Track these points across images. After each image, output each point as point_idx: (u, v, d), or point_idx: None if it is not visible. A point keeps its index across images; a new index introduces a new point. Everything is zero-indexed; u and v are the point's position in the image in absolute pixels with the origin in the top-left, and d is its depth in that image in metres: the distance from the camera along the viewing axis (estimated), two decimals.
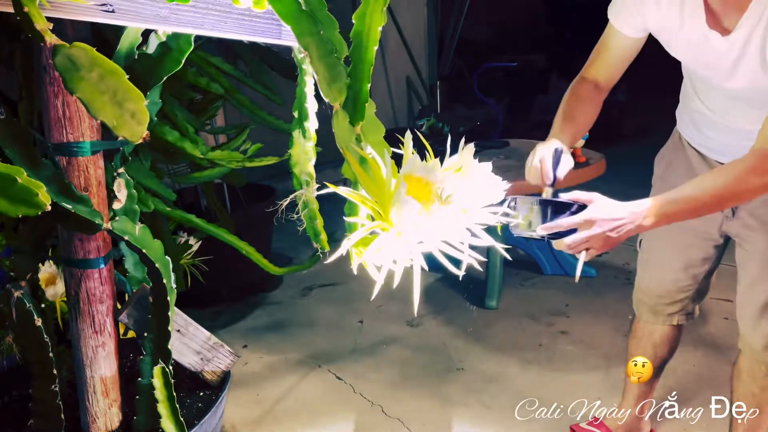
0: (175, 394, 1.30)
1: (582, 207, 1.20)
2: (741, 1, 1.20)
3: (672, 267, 1.63)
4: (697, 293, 1.66)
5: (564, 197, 1.22)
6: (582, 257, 1.27)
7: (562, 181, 1.34)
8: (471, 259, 0.79)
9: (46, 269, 1.51)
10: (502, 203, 0.84)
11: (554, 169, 1.32)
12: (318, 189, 1.24)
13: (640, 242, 1.69)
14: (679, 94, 1.56)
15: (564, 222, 1.19)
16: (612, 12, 1.41)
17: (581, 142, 2.62)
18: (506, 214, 0.85)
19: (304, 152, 1.24)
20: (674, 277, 1.63)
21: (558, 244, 1.22)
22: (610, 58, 1.46)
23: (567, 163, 1.34)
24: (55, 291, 1.51)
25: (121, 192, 1.32)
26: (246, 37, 1.11)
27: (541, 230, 1.20)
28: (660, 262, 1.65)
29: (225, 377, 1.57)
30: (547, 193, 1.33)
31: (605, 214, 1.17)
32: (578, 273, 1.33)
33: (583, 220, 1.18)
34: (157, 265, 1.27)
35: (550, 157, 1.33)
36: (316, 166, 1.26)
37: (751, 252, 1.48)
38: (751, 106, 1.21)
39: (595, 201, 1.20)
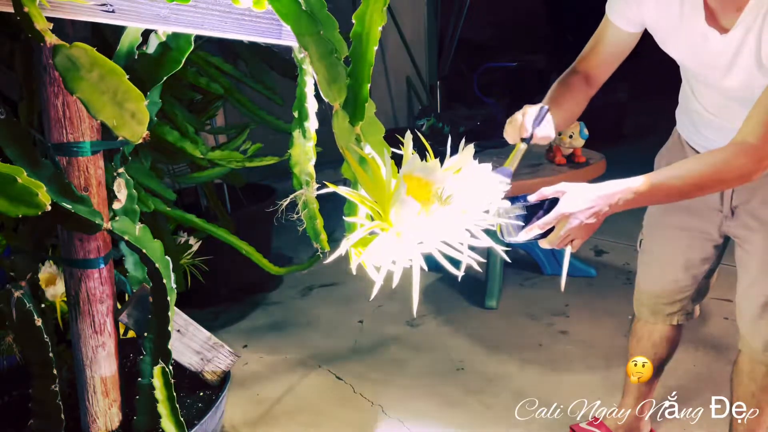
0: (175, 394, 1.30)
1: (553, 202, 1.20)
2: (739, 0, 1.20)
3: (672, 267, 1.63)
4: (697, 293, 1.66)
5: (532, 198, 1.21)
6: (567, 254, 1.28)
7: (539, 139, 1.32)
8: (470, 260, 0.79)
9: (46, 269, 1.51)
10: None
11: (534, 125, 1.30)
12: (318, 189, 1.24)
13: (641, 242, 1.69)
14: (679, 95, 1.56)
15: (540, 223, 1.19)
16: (610, 5, 1.41)
17: (581, 142, 2.62)
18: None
19: (304, 152, 1.24)
20: (674, 277, 1.63)
21: (543, 243, 1.23)
22: (604, 52, 1.45)
23: (548, 127, 1.32)
24: (55, 291, 1.51)
25: (121, 192, 1.32)
26: (246, 37, 1.11)
27: (522, 236, 1.21)
28: (660, 262, 1.65)
29: (225, 377, 1.57)
30: (519, 150, 1.30)
31: (577, 205, 1.17)
32: (563, 282, 1.33)
33: (558, 216, 1.18)
34: (157, 265, 1.27)
35: (534, 112, 1.32)
36: (316, 166, 1.26)
37: (750, 253, 1.48)
38: (747, 106, 1.21)
39: (565, 193, 1.19)
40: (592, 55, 1.46)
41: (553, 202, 1.20)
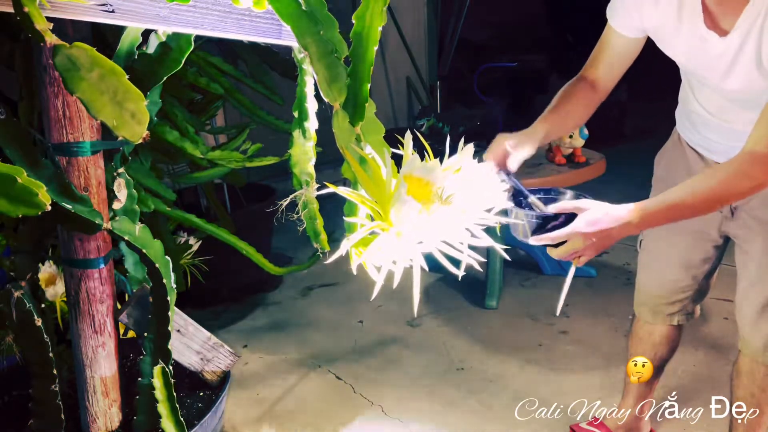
0: (175, 394, 1.30)
1: (570, 215, 1.21)
2: (738, 2, 1.20)
3: (672, 267, 1.62)
4: (697, 293, 1.66)
5: (550, 208, 1.22)
6: (572, 271, 1.29)
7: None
8: (471, 259, 0.79)
9: (46, 269, 1.51)
10: (504, 212, 0.84)
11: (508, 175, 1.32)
12: (318, 189, 1.24)
13: (641, 243, 1.69)
14: (678, 95, 1.56)
15: (552, 236, 1.20)
16: (610, 11, 1.41)
17: (581, 142, 2.62)
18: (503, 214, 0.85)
19: (304, 152, 1.24)
20: (674, 277, 1.63)
21: (551, 252, 1.24)
22: (609, 58, 1.45)
23: (519, 156, 1.31)
24: (55, 291, 1.51)
25: (121, 192, 1.32)
26: (246, 37, 1.11)
27: (532, 240, 1.22)
28: (660, 262, 1.65)
29: (225, 377, 1.57)
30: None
31: (591, 226, 1.18)
32: (561, 300, 1.34)
33: (571, 233, 1.19)
34: (157, 265, 1.27)
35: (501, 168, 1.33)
36: (316, 166, 1.26)
37: (750, 253, 1.48)
38: (747, 107, 1.21)
39: (584, 210, 1.19)
40: (597, 61, 1.46)
41: (571, 216, 1.20)
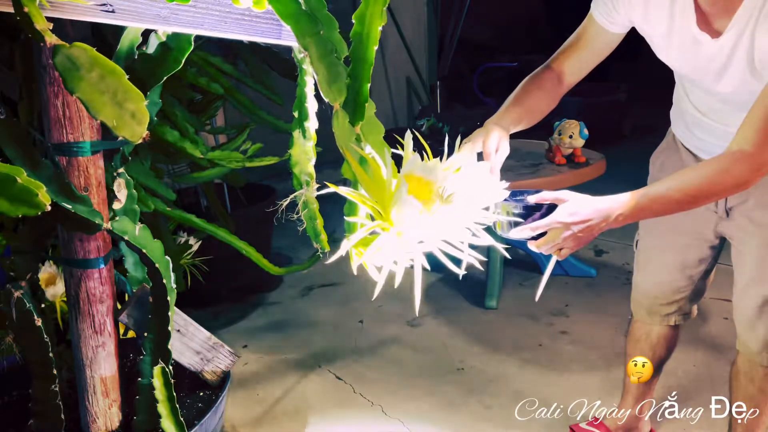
0: (175, 394, 1.30)
1: (552, 206, 1.19)
2: (731, 2, 1.18)
3: (668, 268, 1.62)
4: (693, 294, 1.65)
5: (531, 199, 1.21)
6: (552, 262, 1.27)
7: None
8: (472, 258, 0.79)
9: (46, 269, 1.51)
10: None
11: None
12: (318, 189, 1.24)
13: (637, 243, 1.69)
14: (673, 96, 1.56)
15: (532, 226, 1.18)
16: (596, 4, 1.37)
17: (581, 142, 2.62)
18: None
19: (304, 152, 1.24)
20: (671, 278, 1.63)
21: (531, 245, 1.23)
22: (585, 50, 1.41)
23: (502, 157, 1.28)
24: (55, 291, 1.51)
25: (121, 192, 1.32)
26: (246, 37, 1.11)
27: (513, 233, 1.20)
28: (656, 263, 1.65)
29: (225, 377, 1.57)
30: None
31: (573, 216, 1.16)
32: (540, 290, 1.33)
33: (551, 223, 1.17)
34: (157, 265, 1.27)
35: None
36: (316, 166, 1.26)
37: (746, 253, 1.47)
38: (740, 109, 1.20)
39: (564, 201, 1.18)
40: (570, 53, 1.42)
41: (552, 207, 1.19)
